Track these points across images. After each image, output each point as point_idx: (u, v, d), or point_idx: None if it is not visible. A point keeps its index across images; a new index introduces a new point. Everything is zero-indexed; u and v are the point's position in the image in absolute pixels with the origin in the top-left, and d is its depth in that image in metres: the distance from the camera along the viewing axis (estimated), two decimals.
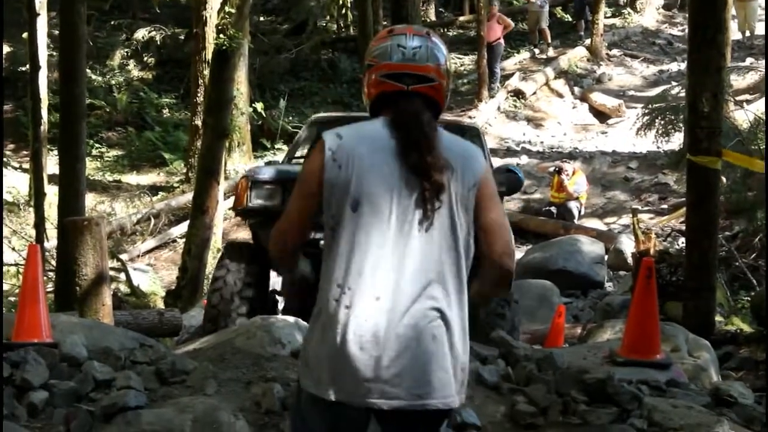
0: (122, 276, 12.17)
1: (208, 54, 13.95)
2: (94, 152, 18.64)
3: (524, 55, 22.55)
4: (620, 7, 25.41)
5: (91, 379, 4.57)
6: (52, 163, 14.34)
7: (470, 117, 17.77)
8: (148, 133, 19.47)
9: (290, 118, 19.63)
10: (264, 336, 5.39)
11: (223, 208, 11.98)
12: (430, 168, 2.61)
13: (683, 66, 19.29)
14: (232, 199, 10.13)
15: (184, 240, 12.63)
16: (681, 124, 11.20)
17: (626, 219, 14.26)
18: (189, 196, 13.94)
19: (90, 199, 14.82)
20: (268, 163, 8.29)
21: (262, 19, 24.96)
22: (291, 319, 5.70)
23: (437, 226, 2.63)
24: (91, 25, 15.18)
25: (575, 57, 21.75)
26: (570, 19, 24.34)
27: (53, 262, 10.03)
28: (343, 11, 23.29)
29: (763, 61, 17.92)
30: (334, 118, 8.78)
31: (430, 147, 2.63)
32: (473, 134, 7.96)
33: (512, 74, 20.94)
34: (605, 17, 22.74)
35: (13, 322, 5.19)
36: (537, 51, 22.40)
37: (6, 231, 13.60)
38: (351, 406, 2.58)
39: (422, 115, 2.69)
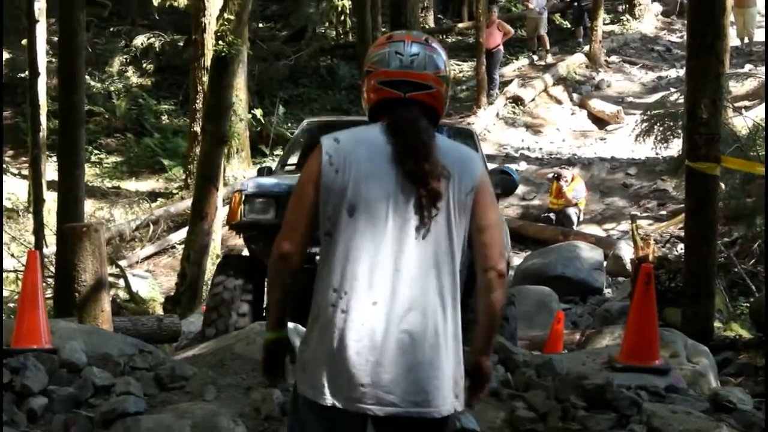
0: (121, 282, 12.17)
1: (207, 60, 13.96)
2: (93, 158, 18.63)
3: (523, 61, 22.56)
4: (619, 13, 25.41)
5: (91, 384, 4.58)
6: (51, 170, 14.34)
7: (469, 123, 17.75)
8: (147, 140, 19.47)
9: (289, 124, 19.63)
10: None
11: (222, 214, 11.96)
12: (427, 175, 2.61)
13: (682, 72, 19.31)
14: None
15: (183, 246, 12.63)
16: (680, 131, 11.20)
17: (625, 225, 14.25)
18: (188, 203, 13.93)
19: (89, 206, 14.82)
20: (261, 170, 8.24)
21: (261, 25, 24.97)
22: (290, 324, 5.69)
23: (434, 233, 2.63)
24: (90, 31, 15.15)
25: (574, 63, 21.76)
26: (569, 26, 24.35)
27: (52, 269, 10.02)
28: (342, 18, 23.29)
29: (762, 68, 17.97)
30: (327, 122, 8.77)
31: (427, 154, 2.63)
32: (467, 136, 7.96)
33: (511, 81, 20.95)
34: (604, 24, 22.74)
35: (12, 328, 5.19)
36: (536, 57, 22.41)
37: (5, 237, 13.58)
38: (347, 411, 2.57)
39: (419, 122, 2.69)
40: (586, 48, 22.14)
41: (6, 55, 19.98)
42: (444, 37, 24.11)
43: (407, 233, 2.61)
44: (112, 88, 21.44)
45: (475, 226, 2.70)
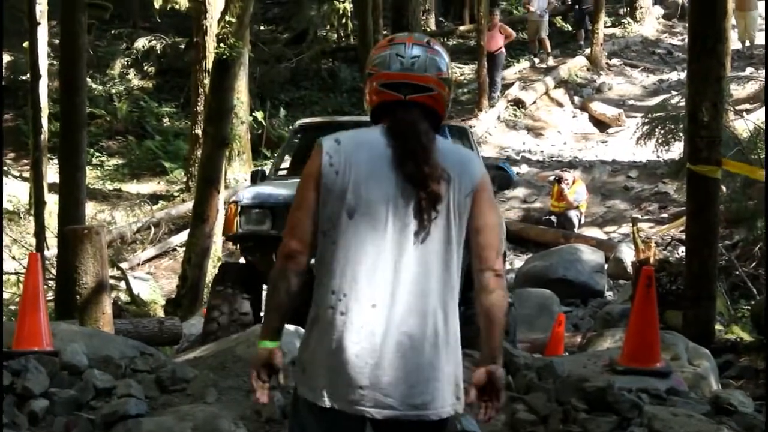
0: (122, 285, 12.17)
1: (209, 63, 13.96)
2: (95, 161, 18.64)
3: (524, 64, 22.55)
4: (620, 16, 25.40)
5: (92, 387, 4.58)
6: (52, 172, 14.34)
7: (470, 126, 17.75)
8: (148, 142, 19.47)
9: (290, 127, 19.62)
10: None
11: (222, 216, 11.97)
12: (426, 178, 2.60)
13: (683, 75, 19.28)
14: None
15: (184, 249, 12.63)
16: (681, 134, 11.20)
17: (626, 228, 14.24)
18: (189, 205, 13.94)
19: (90, 208, 14.82)
20: (255, 174, 8.19)
21: (262, 28, 24.98)
22: (291, 327, 5.70)
23: (433, 236, 2.62)
24: (91, 34, 15.17)
25: (575, 66, 21.75)
26: (570, 29, 24.33)
27: (53, 271, 10.03)
28: (344, 20, 23.29)
29: (763, 71, 17.94)
30: (320, 123, 8.70)
31: (427, 157, 2.62)
32: (461, 134, 7.93)
33: (512, 83, 20.94)
34: (605, 27, 22.73)
35: (13, 330, 5.19)
36: (537, 60, 22.40)
37: (6, 240, 13.59)
38: (346, 413, 2.57)
39: (419, 125, 2.67)
40: (588, 51, 22.13)
41: (7, 58, 20.00)
42: (445, 40, 24.09)
43: (407, 236, 2.61)
44: (113, 91, 21.45)
45: (472, 227, 2.68)
